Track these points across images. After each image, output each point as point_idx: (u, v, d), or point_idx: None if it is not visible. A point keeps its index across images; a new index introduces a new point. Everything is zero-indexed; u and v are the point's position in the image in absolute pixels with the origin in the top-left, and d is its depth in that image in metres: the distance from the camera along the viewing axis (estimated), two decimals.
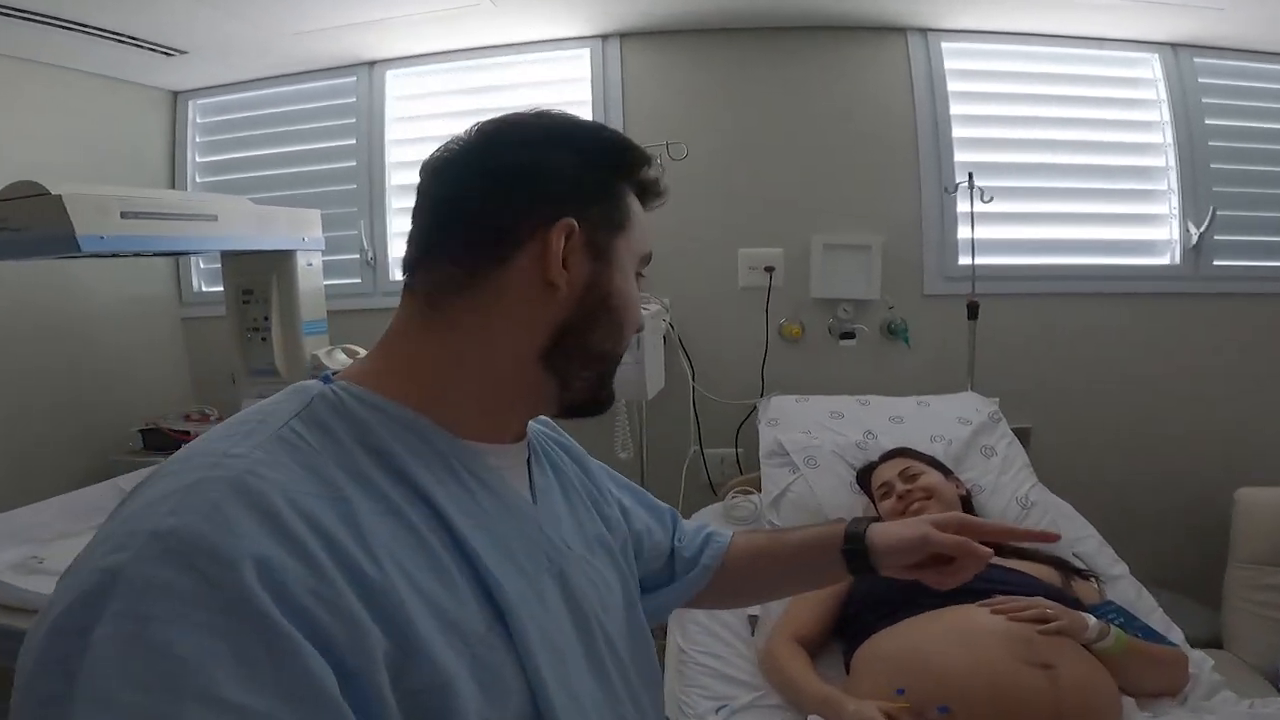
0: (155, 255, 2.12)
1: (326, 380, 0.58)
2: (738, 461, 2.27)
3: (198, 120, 2.53)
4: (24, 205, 1.39)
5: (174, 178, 2.51)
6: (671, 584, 0.89)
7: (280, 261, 2.02)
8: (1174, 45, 2.19)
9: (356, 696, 0.44)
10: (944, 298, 2.22)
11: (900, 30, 2.19)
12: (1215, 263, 2.23)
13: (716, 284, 2.24)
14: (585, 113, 2.27)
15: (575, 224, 0.60)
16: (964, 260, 2.17)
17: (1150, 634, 1.29)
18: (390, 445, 0.55)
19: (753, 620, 1.48)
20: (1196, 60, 2.19)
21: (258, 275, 2.04)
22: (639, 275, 0.68)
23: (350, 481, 0.51)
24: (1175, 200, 2.23)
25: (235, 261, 2.07)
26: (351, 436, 0.54)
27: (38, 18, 1.78)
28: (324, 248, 2.13)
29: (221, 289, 2.13)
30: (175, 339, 2.56)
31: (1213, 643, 1.81)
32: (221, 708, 0.38)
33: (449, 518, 0.55)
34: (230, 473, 0.46)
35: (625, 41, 2.24)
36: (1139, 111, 2.25)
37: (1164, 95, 2.21)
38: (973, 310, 2.07)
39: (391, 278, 2.42)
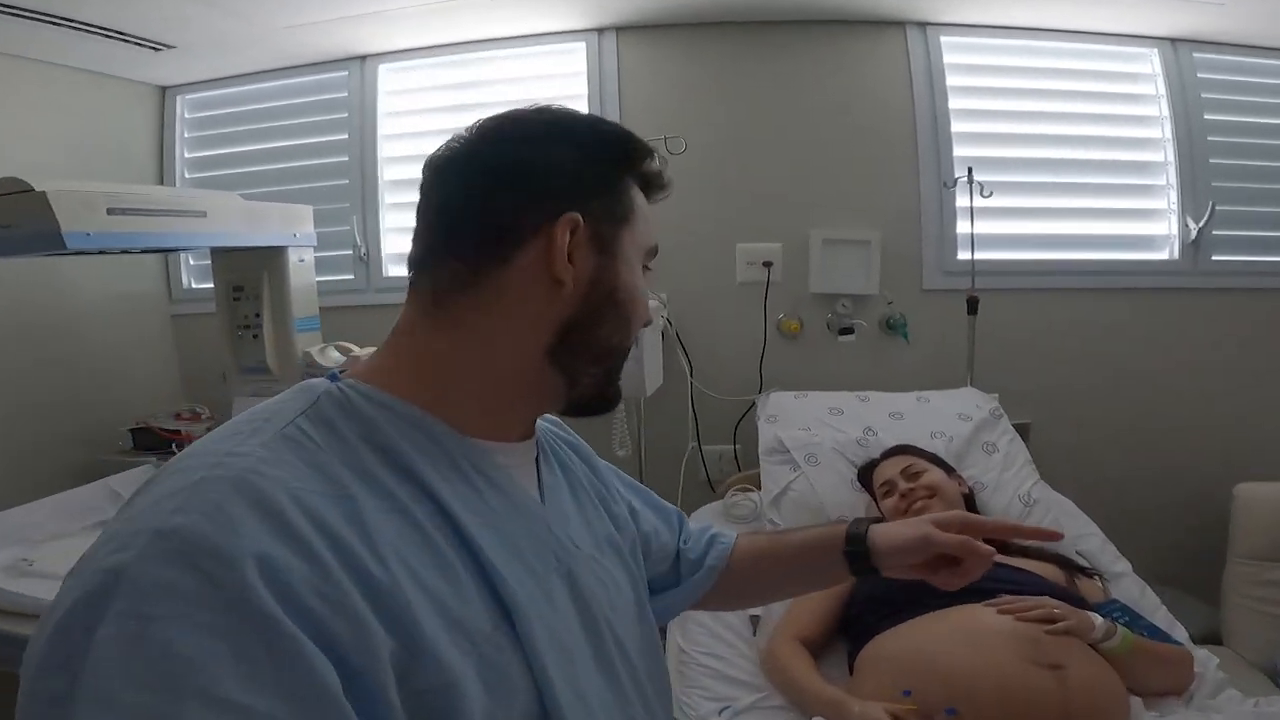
0: (143, 252, 2.09)
1: (333, 378, 0.58)
2: (736, 458, 2.26)
3: (186, 115, 2.49)
4: (8, 202, 1.36)
5: (162, 174, 2.48)
6: (678, 586, 0.89)
7: (271, 258, 2.00)
8: (1173, 40, 2.18)
9: (361, 696, 0.43)
10: (943, 293, 2.21)
11: (899, 24, 2.17)
12: (1214, 258, 2.22)
13: (714, 279, 2.22)
14: (581, 107, 2.23)
15: (580, 219, 0.60)
16: (963, 255, 2.16)
17: (1155, 632, 1.28)
18: (397, 443, 0.54)
19: (754, 620, 1.47)
20: (1196, 55, 2.18)
21: (248, 272, 2.01)
22: (645, 268, 0.67)
23: (356, 480, 0.51)
24: (1174, 195, 2.22)
25: (225, 258, 2.04)
26: (358, 434, 0.54)
27: (24, 13, 1.74)
28: (316, 244, 2.10)
29: (211, 286, 2.10)
30: (165, 337, 2.53)
31: (1211, 639, 1.80)
32: (223, 707, 0.38)
33: (456, 516, 0.54)
34: (234, 471, 0.46)
35: (621, 35, 2.21)
36: (1138, 106, 2.24)
37: (1163, 90, 2.20)
38: (972, 305, 2.06)
39: (385, 274, 2.40)
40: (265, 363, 2.03)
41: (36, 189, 1.35)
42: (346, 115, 2.37)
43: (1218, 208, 2.15)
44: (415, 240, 0.63)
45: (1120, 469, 2.25)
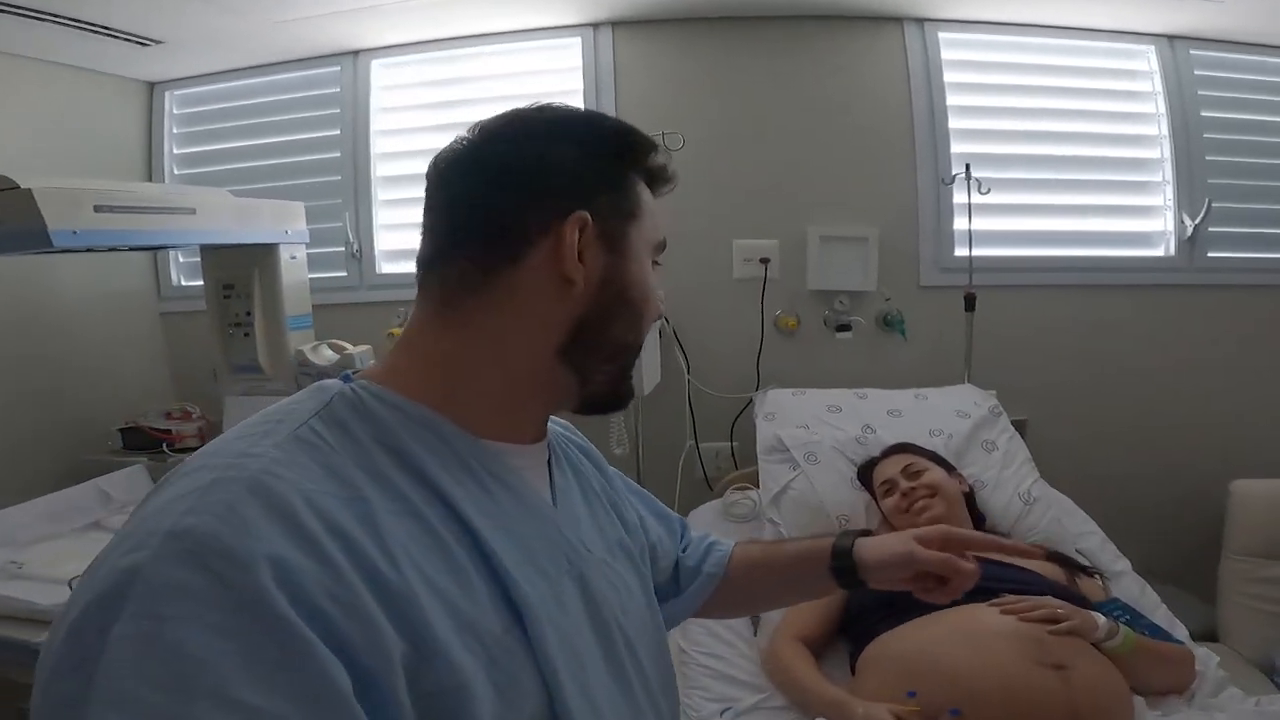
0: (132, 250, 2.06)
1: (346, 379, 0.58)
2: (733, 456, 2.25)
3: (175, 111, 2.46)
4: None
5: (150, 170, 2.44)
6: (679, 595, 0.89)
7: (263, 255, 1.98)
8: (1170, 37, 2.18)
9: (372, 698, 0.43)
10: (940, 289, 2.20)
11: (897, 20, 2.16)
12: (1210, 254, 2.23)
13: (711, 276, 2.21)
14: (577, 103, 2.21)
15: (588, 217, 0.59)
16: (960, 252, 2.15)
17: (1156, 631, 1.28)
18: (409, 445, 0.54)
19: (755, 620, 1.46)
20: (1193, 52, 2.18)
21: (239, 269, 1.99)
22: (654, 263, 0.67)
23: (369, 481, 0.51)
24: (1170, 192, 2.22)
25: (215, 255, 2.02)
26: (370, 436, 0.54)
27: (9, 9, 1.70)
28: (308, 240, 2.08)
29: (201, 283, 2.07)
30: (154, 335, 2.49)
31: (1207, 635, 1.80)
32: (234, 708, 0.38)
33: (468, 518, 0.54)
34: (247, 472, 0.46)
35: (617, 30, 2.19)
36: (1135, 103, 2.24)
37: (1160, 87, 2.20)
38: (970, 302, 2.06)
39: (378, 270, 2.37)
40: (257, 361, 2.01)
41: (22, 186, 1.33)
42: (339, 111, 2.34)
43: (1214, 204, 2.16)
44: (423, 241, 0.63)
45: (1116, 465, 2.25)
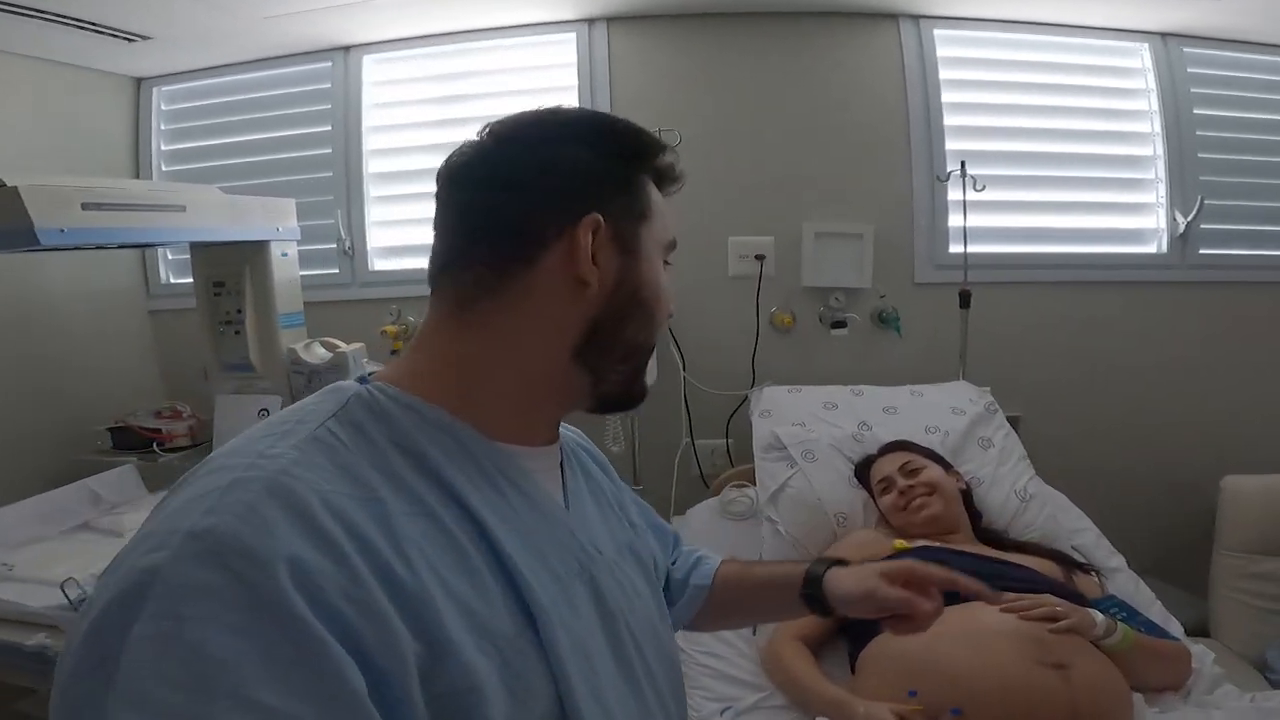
0: (120, 247, 2.03)
1: (363, 381, 0.59)
2: (728, 453, 2.25)
3: (163, 107, 2.42)
4: None
5: (138, 167, 2.41)
6: (671, 606, 0.89)
7: (253, 252, 1.96)
8: (1164, 35, 2.18)
9: (386, 698, 0.44)
10: (935, 286, 2.21)
11: (892, 16, 2.15)
12: (1202, 251, 2.24)
13: (706, 273, 2.20)
14: (571, 98, 2.21)
15: (601, 219, 0.60)
16: (954, 249, 2.16)
17: (1152, 628, 1.29)
18: (424, 447, 0.55)
19: None
20: (1186, 50, 2.19)
21: (229, 266, 1.97)
22: (665, 263, 0.67)
23: (385, 483, 0.51)
24: (1163, 189, 2.23)
25: (205, 252, 2.00)
26: (386, 438, 0.54)
27: None
28: (299, 237, 2.06)
29: (191, 281, 2.05)
30: (143, 333, 2.46)
31: (1199, 631, 1.81)
32: (252, 708, 0.38)
33: (482, 520, 0.55)
34: (266, 473, 0.46)
35: (612, 25, 2.18)
36: (1129, 101, 2.25)
37: (1153, 85, 2.21)
38: (964, 299, 2.06)
39: (371, 267, 2.35)
40: (248, 359, 1.99)
41: (8, 184, 1.31)
42: (330, 107, 2.31)
43: (1206, 202, 2.17)
44: (436, 244, 0.63)
45: (1108, 461, 2.27)
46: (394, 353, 2.26)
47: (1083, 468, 2.12)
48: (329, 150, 2.32)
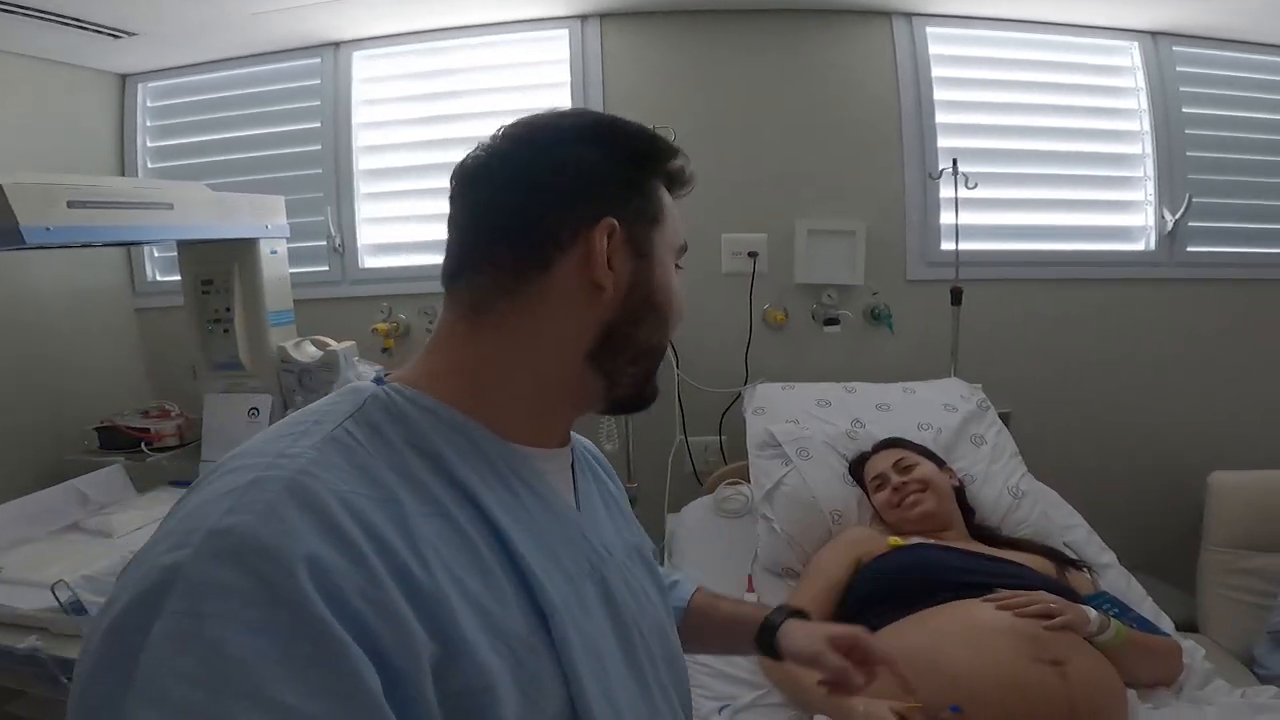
0: (106, 245, 2.01)
1: (380, 382, 0.59)
2: (721, 450, 2.25)
3: (148, 104, 2.39)
4: None
5: (123, 164, 2.37)
6: None
7: (242, 250, 1.94)
8: (1153, 33, 2.20)
9: (400, 698, 0.44)
10: (926, 283, 2.22)
11: (885, 14, 2.16)
12: (1189, 249, 2.26)
13: (699, 270, 2.20)
14: (564, 95, 2.20)
15: (616, 223, 0.60)
16: (945, 246, 2.16)
17: (1144, 624, 1.30)
18: (440, 448, 0.55)
19: None
20: (1175, 49, 2.21)
21: (218, 264, 1.95)
22: (676, 266, 0.68)
23: (401, 483, 0.52)
24: (1152, 187, 2.25)
25: (193, 250, 1.97)
26: (403, 438, 0.55)
27: None
28: (289, 235, 2.03)
29: (178, 278, 2.02)
30: (129, 331, 2.43)
31: (1187, 626, 1.83)
32: (270, 707, 0.38)
33: (496, 520, 0.55)
34: (286, 473, 0.47)
35: (605, 22, 2.17)
36: (1118, 99, 2.26)
37: (1142, 83, 2.22)
38: (956, 296, 2.07)
39: (361, 265, 2.33)
40: (238, 358, 1.98)
41: None
42: (319, 103, 2.29)
43: (1194, 200, 2.19)
44: (450, 247, 0.64)
45: (1096, 457, 2.29)
46: (385, 350, 2.25)
47: (1071, 463, 2.14)
48: (318, 147, 2.30)
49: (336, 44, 2.26)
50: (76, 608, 1.29)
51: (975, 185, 2.05)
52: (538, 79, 2.22)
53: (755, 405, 1.95)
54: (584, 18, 2.16)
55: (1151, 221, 2.26)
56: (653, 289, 0.63)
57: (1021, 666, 1.06)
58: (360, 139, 2.30)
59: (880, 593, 1.32)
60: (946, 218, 2.16)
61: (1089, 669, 1.09)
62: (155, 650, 0.39)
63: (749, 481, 1.81)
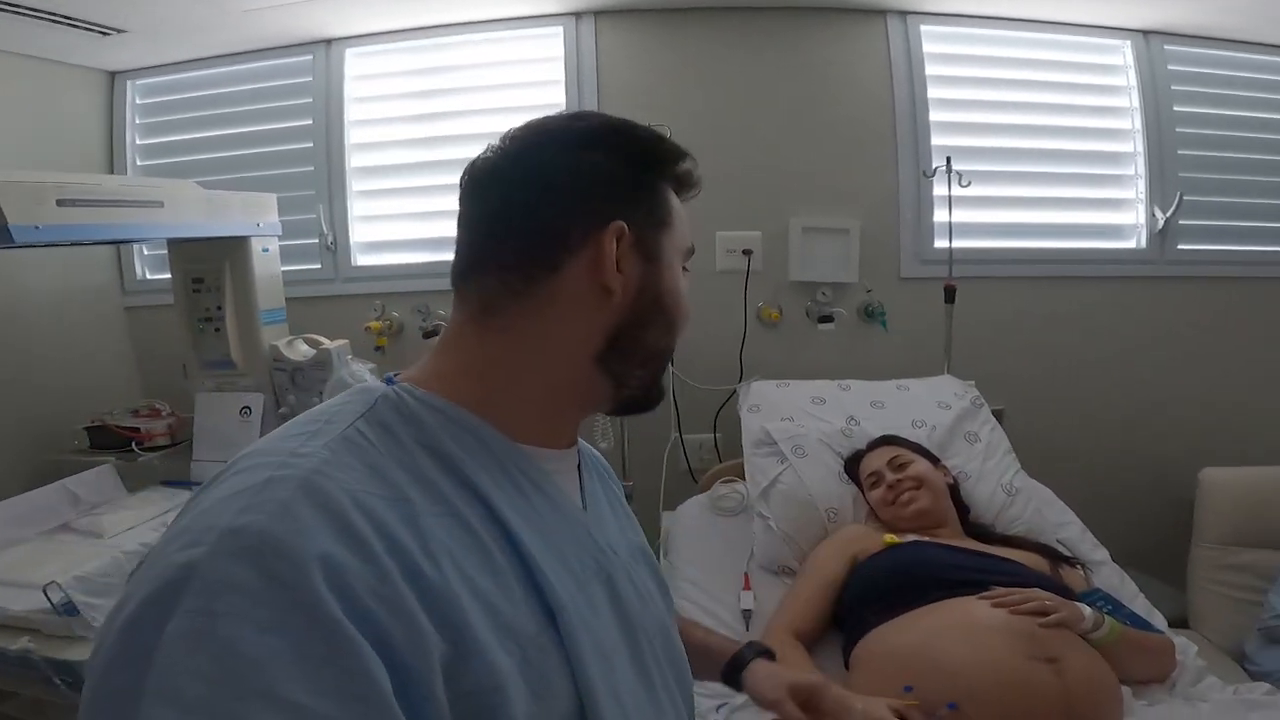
0: (95, 244, 1.99)
1: (390, 382, 0.60)
2: (716, 447, 2.25)
3: (137, 101, 2.37)
4: None
5: (112, 162, 2.35)
6: None
7: (233, 248, 1.93)
8: (1145, 32, 2.21)
9: (410, 697, 0.44)
10: (920, 281, 2.22)
11: (880, 12, 2.16)
12: (1180, 247, 2.27)
13: (694, 267, 2.18)
14: (559, 93, 2.19)
15: (625, 227, 0.61)
16: (939, 244, 2.17)
17: (1137, 621, 1.31)
18: (450, 448, 0.56)
19: (747, 615, 1.46)
20: (1167, 48, 2.22)
21: (209, 263, 1.94)
22: (684, 269, 0.68)
23: (412, 483, 0.52)
24: (1143, 185, 2.26)
25: (183, 248, 1.96)
26: (413, 438, 0.55)
27: None
28: (280, 233, 2.02)
29: (168, 276, 2.01)
30: (119, 330, 2.41)
31: (1178, 622, 1.84)
32: (282, 706, 0.39)
33: (506, 521, 0.55)
34: (301, 472, 0.47)
35: (600, 19, 2.16)
36: (1110, 98, 2.27)
37: (1134, 82, 2.23)
38: (950, 294, 2.07)
39: (354, 263, 2.32)
40: (229, 356, 1.97)
41: None
42: (311, 101, 2.27)
43: (1185, 198, 2.20)
44: (459, 247, 0.64)
45: (1088, 454, 2.30)
46: (378, 349, 2.24)
47: (1063, 460, 2.15)
48: (310, 144, 2.28)
49: (329, 41, 2.24)
50: (69, 609, 1.28)
51: (969, 183, 2.05)
52: (532, 76, 2.21)
53: (750, 403, 1.96)
54: (578, 15, 2.16)
55: (1143, 219, 2.28)
56: (661, 292, 0.64)
57: (1017, 664, 1.06)
58: (353, 136, 2.28)
59: (876, 590, 1.32)
60: (940, 215, 2.17)
61: (1084, 666, 1.10)
62: (169, 648, 0.39)
63: (744, 479, 1.81)
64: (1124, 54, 2.24)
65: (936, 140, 2.20)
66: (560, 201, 0.60)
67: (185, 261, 1.96)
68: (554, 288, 0.60)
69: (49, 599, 1.26)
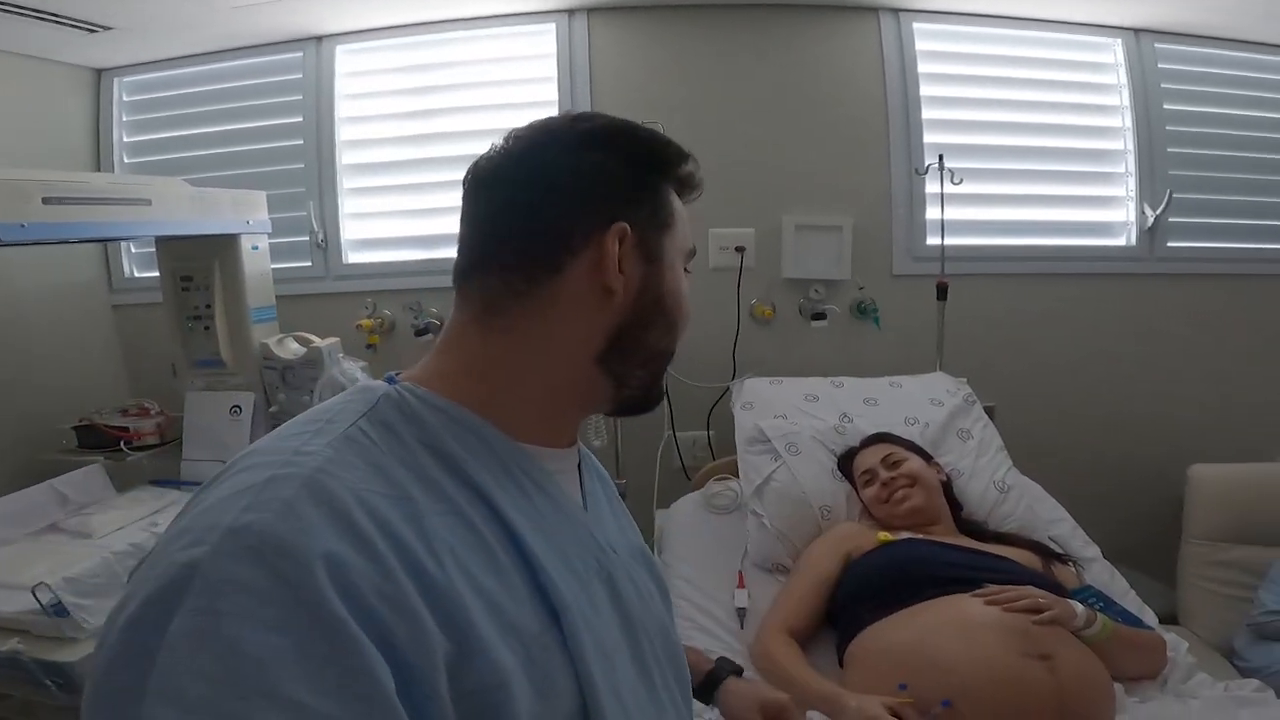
0: (82, 242, 1.97)
1: (391, 381, 0.60)
2: (709, 445, 2.25)
3: (124, 99, 2.35)
4: None
5: (99, 160, 2.33)
6: None
7: (223, 246, 1.91)
8: (1136, 30, 2.22)
9: (414, 696, 0.44)
10: (912, 278, 2.23)
11: (872, 10, 2.16)
12: (1169, 244, 2.29)
13: None
14: (551, 90, 2.18)
15: (628, 228, 0.61)
16: (931, 241, 2.18)
17: (1128, 617, 1.32)
18: (453, 447, 0.56)
19: (741, 613, 1.46)
20: (1157, 46, 2.23)
21: (198, 260, 1.93)
22: (685, 270, 0.68)
23: (415, 482, 0.52)
24: (1133, 183, 2.27)
25: (171, 246, 1.95)
26: (415, 437, 0.55)
27: None
28: (270, 230, 2.01)
29: (157, 274, 1.99)
30: (106, 329, 2.39)
31: (1168, 619, 1.85)
32: (285, 705, 0.39)
33: (509, 520, 0.55)
34: (303, 470, 0.47)
35: (593, 16, 2.16)
36: (1101, 95, 2.28)
37: (1124, 80, 2.24)
38: (942, 291, 2.08)
39: (345, 260, 2.30)
40: (219, 355, 1.96)
41: None
42: (301, 98, 2.26)
43: (1175, 195, 2.21)
44: (461, 247, 0.64)
45: (1078, 450, 2.31)
46: (369, 347, 2.23)
47: (1053, 456, 2.15)
48: (300, 141, 2.27)
49: (319, 38, 2.23)
50: (58, 610, 1.27)
51: (961, 181, 2.06)
52: (524, 73, 2.20)
53: (743, 400, 1.95)
54: (571, 12, 2.15)
55: (1133, 217, 2.29)
56: (662, 293, 0.64)
57: (1011, 661, 1.07)
58: (343, 133, 2.27)
59: (870, 588, 1.33)
60: (932, 213, 2.17)
61: (1077, 663, 1.10)
62: (172, 648, 0.39)
63: (738, 477, 1.81)
64: (1114, 52, 2.25)
65: (929, 138, 2.20)
66: (563, 202, 0.60)
67: (174, 259, 1.94)
68: (556, 288, 0.60)
69: (38, 600, 1.25)
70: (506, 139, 0.63)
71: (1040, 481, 1.82)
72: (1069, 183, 2.30)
